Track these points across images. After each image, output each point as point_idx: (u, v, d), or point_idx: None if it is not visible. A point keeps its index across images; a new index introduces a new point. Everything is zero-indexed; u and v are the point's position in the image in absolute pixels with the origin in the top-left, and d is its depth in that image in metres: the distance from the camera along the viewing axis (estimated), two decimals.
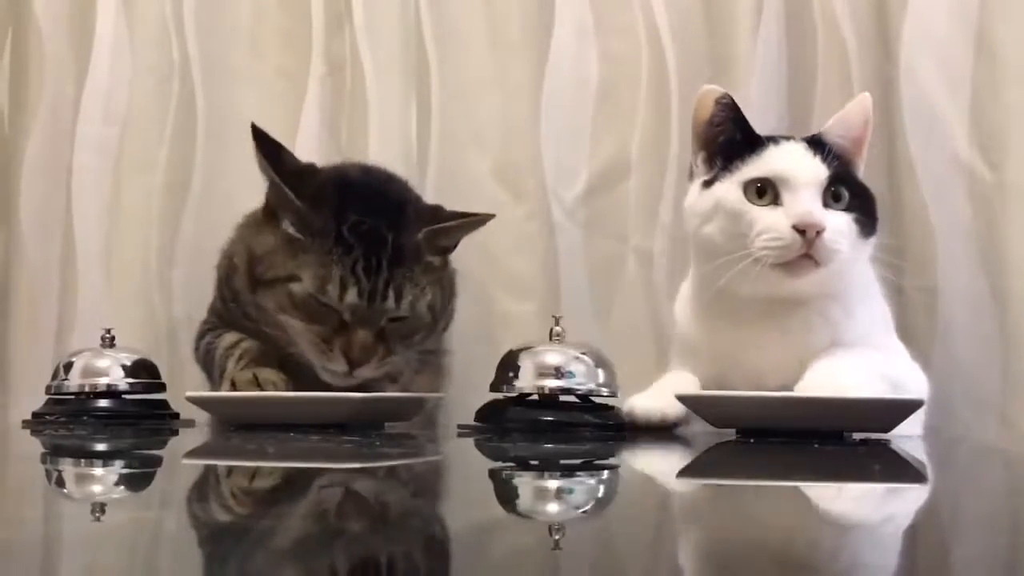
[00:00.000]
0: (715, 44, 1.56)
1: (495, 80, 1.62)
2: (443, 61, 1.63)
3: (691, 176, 1.21)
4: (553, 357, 1.12)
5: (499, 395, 1.13)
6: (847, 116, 1.18)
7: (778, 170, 1.11)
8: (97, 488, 0.79)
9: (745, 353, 1.15)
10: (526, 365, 1.12)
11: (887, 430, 1.07)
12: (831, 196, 1.11)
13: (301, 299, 1.22)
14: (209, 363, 1.34)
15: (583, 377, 1.11)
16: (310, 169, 1.30)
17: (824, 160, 1.13)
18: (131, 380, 1.28)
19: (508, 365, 1.13)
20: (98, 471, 0.93)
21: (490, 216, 1.33)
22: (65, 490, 0.77)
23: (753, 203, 1.11)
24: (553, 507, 0.69)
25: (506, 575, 0.48)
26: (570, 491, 0.78)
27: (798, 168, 1.11)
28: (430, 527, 0.60)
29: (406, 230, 1.24)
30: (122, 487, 0.79)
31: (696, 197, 1.17)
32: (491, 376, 1.14)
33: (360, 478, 0.84)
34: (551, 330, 1.15)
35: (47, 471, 0.91)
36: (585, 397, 1.13)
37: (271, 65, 1.68)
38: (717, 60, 1.56)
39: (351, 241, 1.21)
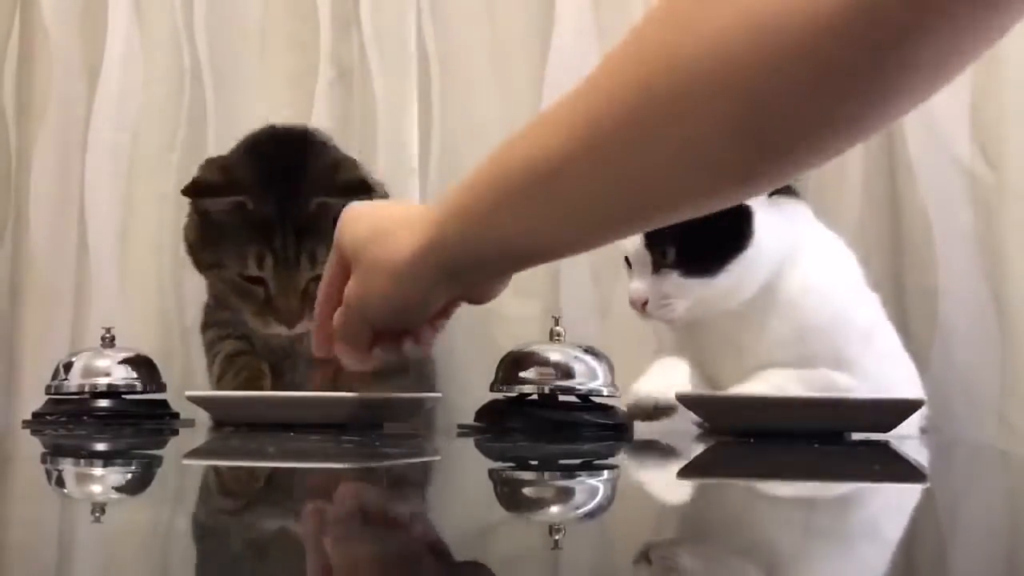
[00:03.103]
0: None
1: (496, 81, 1.62)
2: (444, 62, 1.63)
3: None
4: (553, 357, 1.12)
5: (499, 395, 1.13)
6: None
7: (622, 247, 1.22)
8: (97, 488, 0.79)
9: (707, 363, 1.22)
10: (526, 365, 1.12)
11: (887, 430, 1.07)
12: (661, 255, 1.19)
13: (230, 281, 1.31)
14: (211, 360, 1.40)
15: (583, 377, 1.11)
16: (220, 163, 1.34)
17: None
18: (131, 380, 1.28)
19: (508, 365, 1.13)
20: (98, 471, 0.93)
21: (377, 188, 1.34)
22: (65, 490, 0.77)
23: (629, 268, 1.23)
24: (553, 507, 0.69)
25: (506, 575, 0.48)
26: (570, 491, 0.78)
27: (627, 244, 1.21)
28: (430, 527, 0.60)
29: (306, 198, 1.28)
30: (122, 487, 0.79)
31: None
32: (491, 376, 1.14)
33: (360, 478, 0.84)
34: (551, 330, 1.15)
35: (47, 471, 0.91)
36: (585, 397, 1.13)
37: (281, 70, 1.68)
38: None
39: (261, 216, 1.27)
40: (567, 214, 0.74)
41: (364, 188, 1.29)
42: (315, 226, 1.26)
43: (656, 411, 1.15)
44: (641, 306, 1.19)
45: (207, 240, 1.32)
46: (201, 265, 1.35)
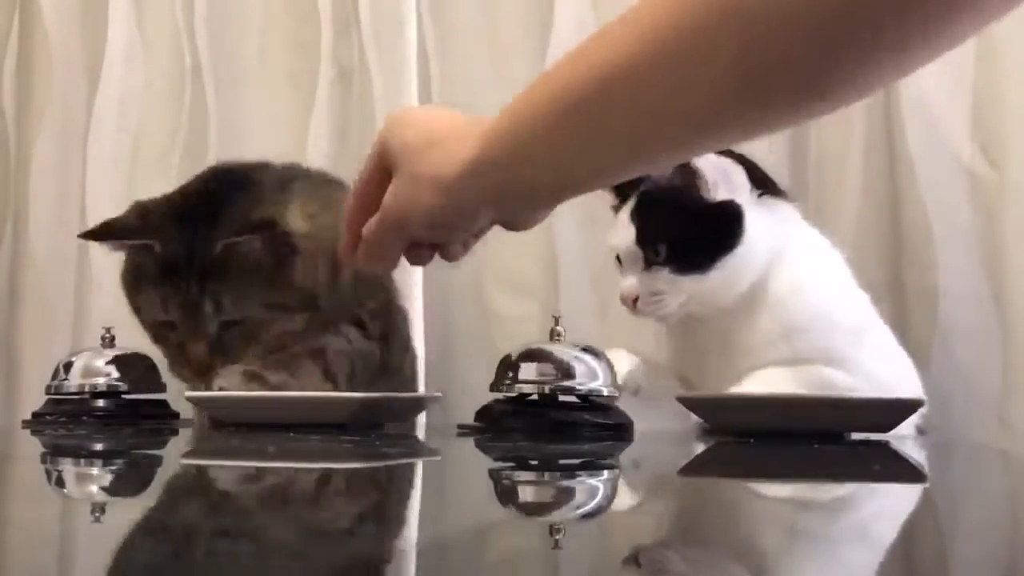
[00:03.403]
0: None
1: (495, 80, 1.63)
2: (444, 61, 1.64)
3: None
4: (553, 357, 1.12)
5: (499, 395, 1.13)
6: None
7: (611, 244, 1.28)
8: (97, 488, 0.79)
9: (698, 362, 1.26)
10: (526, 365, 1.12)
11: (887, 430, 1.07)
12: (652, 253, 1.22)
13: (148, 327, 1.28)
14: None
15: (583, 377, 1.11)
16: (142, 205, 1.29)
17: (641, 219, 1.24)
18: (131, 380, 1.28)
19: (508, 365, 1.13)
20: (98, 471, 0.93)
21: (272, 225, 1.23)
22: (65, 490, 0.77)
23: (618, 265, 1.28)
24: (553, 507, 0.69)
25: (506, 575, 0.48)
26: (570, 491, 0.78)
27: (619, 241, 1.26)
28: (430, 527, 0.60)
29: (214, 240, 1.22)
30: (122, 487, 0.79)
31: None
32: (491, 376, 1.14)
33: (360, 478, 0.84)
34: (551, 330, 1.15)
35: (47, 471, 0.91)
36: (585, 397, 1.13)
37: (282, 70, 1.69)
38: None
39: (169, 259, 1.22)
40: (629, 125, 0.72)
41: (267, 226, 1.22)
42: (220, 269, 1.21)
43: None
44: (632, 302, 1.22)
45: (128, 284, 1.28)
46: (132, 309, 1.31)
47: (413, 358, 1.46)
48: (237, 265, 1.21)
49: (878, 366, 1.23)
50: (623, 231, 1.26)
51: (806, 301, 1.21)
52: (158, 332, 1.27)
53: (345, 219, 0.92)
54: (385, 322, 1.37)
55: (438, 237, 0.88)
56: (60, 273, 1.69)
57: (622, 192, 1.29)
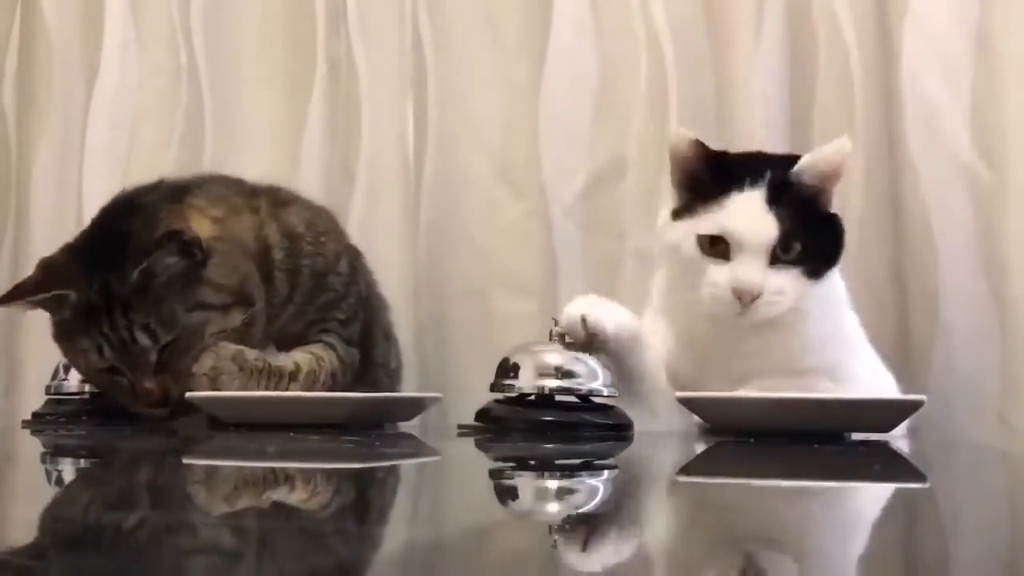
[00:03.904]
0: (715, 44, 1.57)
1: (494, 79, 1.63)
2: (441, 60, 1.64)
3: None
4: (553, 357, 1.12)
5: (499, 395, 1.13)
6: (821, 159, 1.18)
7: (729, 230, 1.15)
8: (97, 488, 0.79)
9: (711, 356, 1.20)
10: (526, 365, 1.12)
11: (887, 430, 1.07)
12: (781, 249, 1.14)
13: (89, 377, 1.25)
14: None
15: (583, 377, 1.11)
16: (46, 260, 1.25)
17: (780, 212, 1.14)
18: None
19: (508, 365, 1.13)
20: (97, 471, 0.93)
21: (178, 233, 1.19)
22: (65, 490, 0.77)
23: (706, 253, 1.15)
24: (553, 507, 0.69)
25: (506, 575, 0.48)
26: (570, 491, 0.78)
27: (748, 230, 1.14)
28: (430, 527, 0.60)
29: (125, 273, 1.18)
30: (122, 487, 0.79)
31: (663, 225, 1.22)
32: (491, 376, 1.14)
33: (360, 478, 0.84)
34: (551, 331, 1.15)
35: (47, 471, 0.91)
36: (585, 397, 1.13)
37: (277, 66, 1.69)
38: (717, 60, 1.56)
39: (85, 306, 1.19)
40: None
41: (173, 236, 1.19)
42: (140, 297, 1.18)
43: (588, 334, 1.13)
44: (751, 299, 1.13)
45: (61, 342, 1.24)
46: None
47: (397, 349, 1.45)
48: (155, 288, 1.18)
49: (872, 382, 1.23)
50: (756, 220, 1.14)
51: (822, 319, 1.20)
52: (104, 379, 1.23)
53: None
54: (363, 321, 1.37)
55: None
56: None
57: (735, 176, 1.17)
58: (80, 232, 1.28)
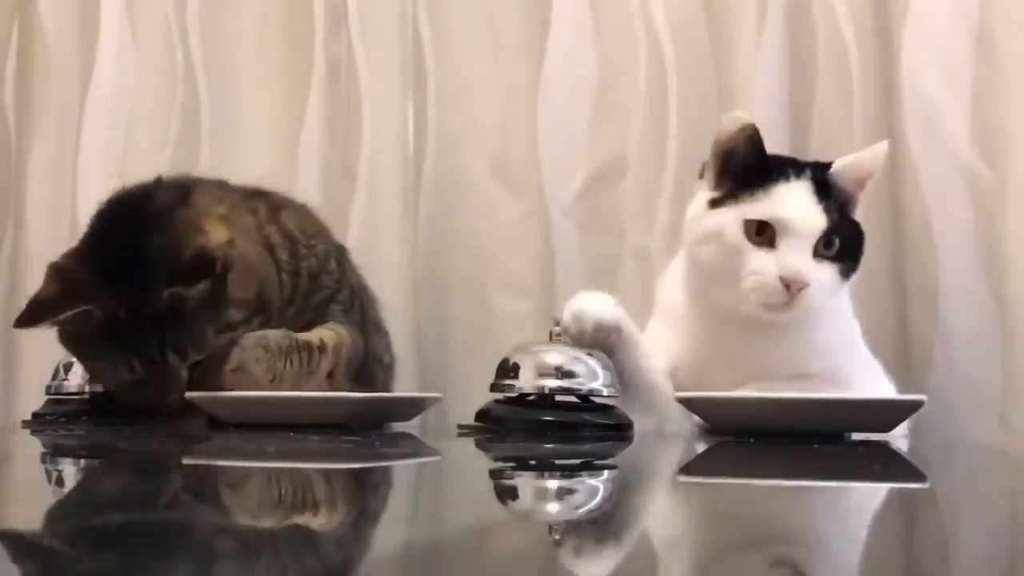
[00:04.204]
0: (715, 44, 1.57)
1: (493, 79, 1.63)
2: (440, 60, 1.64)
3: (701, 175, 1.22)
4: (553, 357, 1.12)
5: (499, 395, 1.13)
6: (862, 161, 1.19)
7: (779, 216, 1.14)
8: (97, 488, 0.79)
9: (717, 358, 1.19)
10: (526, 365, 1.12)
11: (887, 430, 1.07)
12: (823, 244, 1.14)
13: (109, 382, 1.22)
14: None
15: (583, 377, 1.11)
16: (57, 270, 1.21)
17: (827, 207, 1.15)
18: None
19: (508, 365, 1.13)
20: (98, 471, 0.93)
21: (213, 270, 1.18)
22: (65, 490, 0.77)
23: (751, 240, 1.14)
24: (553, 507, 0.69)
25: (506, 575, 0.48)
26: (570, 491, 0.78)
27: (799, 217, 1.14)
28: (430, 527, 0.60)
29: (155, 290, 1.17)
30: (122, 487, 0.79)
31: (700, 213, 1.19)
32: (491, 376, 1.14)
33: (360, 478, 0.84)
34: (551, 331, 1.15)
35: (47, 471, 0.91)
36: (585, 397, 1.13)
37: (275, 65, 1.69)
38: (717, 60, 1.56)
39: (112, 322, 1.17)
40: None
41: (207, 263, 1.17)
42: (172, 317, 1.16)
43: (596, 330, 1.13)
44: (799, 288, 1.12)
45: (79, 352, 1.23)
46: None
47: (388, 343, 1.45)
48: (186, 310, 1.17)
49: (872, 387, 1.23)
50: (807, 209, 1.14)
51: (830, 323, 1.20)
52: (129, 388, 1.21)
53: None
54: (359, 312, 1.37)
55: None
56: None
57: (780, 169, 1.17)
58: (85, 235, 1.24)
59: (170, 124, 1.69)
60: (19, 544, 0.53)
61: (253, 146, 1.68)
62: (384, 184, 1.65)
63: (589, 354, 1.13)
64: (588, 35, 1.61)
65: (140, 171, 1.66)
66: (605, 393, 1.12)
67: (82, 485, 0.82)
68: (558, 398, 1.12)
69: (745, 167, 1.17)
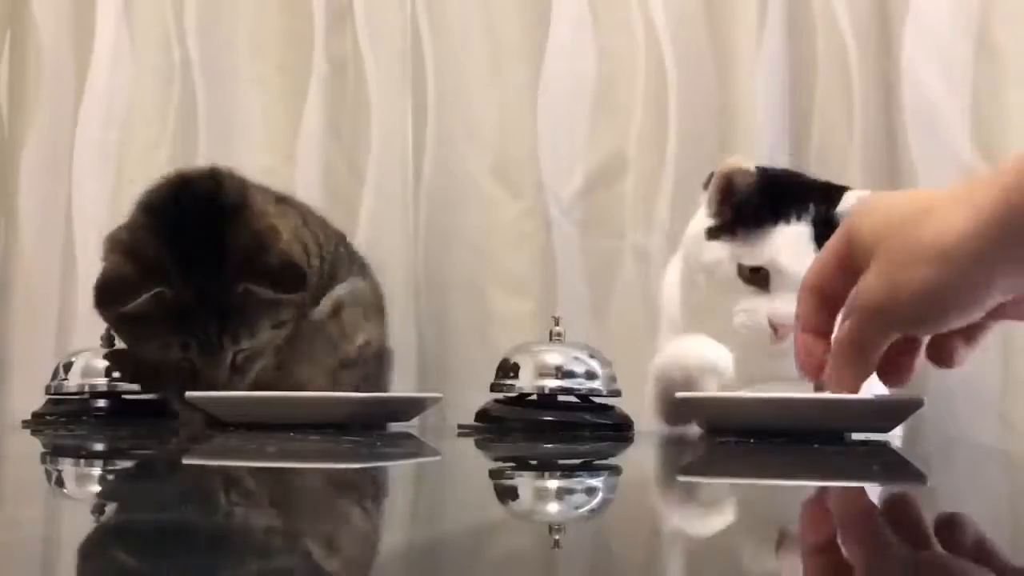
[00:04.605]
0: (715, 42, 1.57)
1: (491, 77, 1.63)
2: (439, 58, 1.64)
3: (706, 185, 1.21)
4: (553, 357, 1.12)
5: (499, 395, 1.13)
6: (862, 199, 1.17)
7: (775, 265, 1.14)
8: (97, 488, 0.79)
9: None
10: (526, 365, 1.12)
11: (887, 430, 1.07)
12: None
13: (152, 362, 1.23)
14: None
15: (583, 377, 1.11)
16: (125, 246, 1.23)
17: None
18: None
19: (508, 365, 1.13)
20: (98, 471, 0.93)
21: (302, 287, 1.24)
22: (65, 490, 0.77)
23: (743, 279, 1.16)
24: (553, 507, 0.69)
25: (506, 575, 0.48)
26: (570, 491, 0.78)
27: (794, 265, 1.13)
28: (430, 527, 0.60)
29: (229, 282, 1.20)
30: (122, 487, 0.79)
31: (697, 239, 1.20)
32: (490, 376, 1.14)
33: (360, 478, 0.84)
34: (551, 330, 1.15)
35: (47, 471, 0.91)
36: (585, 397, 1.13)
37: (272, 65, 1.68)
38: (717, 59, 1.56)
39: (180, 305, 1.19)
40: None
41: (292, 270, 1.22)
42: (239, 311, 1.20)
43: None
44: (786, 332, 1.10)
45: (122, 329, 1.24)
46: (121, 339, 1.26)
47: (386, 356, 1.46)
48: (252, 304, 1.21)
49: (872, 386, 1.23)
50: (803, 258, 1.12)
51: None
52: (167, 367, 1.22)
53: (799, 330, 0.82)
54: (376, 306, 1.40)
55: (930, 325, 0.74)
56: (47, 271, 1.69)
57: (782, 207, 1.16)
58: (148, 213, 1.24)
59: (167, 123, 1.69)
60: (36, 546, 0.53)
61: (251, 145, 1.68)
62: (383, 184, 1.65)
63: (589, 354, 1.13)
64: (588, 34, 1.60)
65: (137, 171, 1.67)
66: (605, 393, 1.12)
67: (80, 486, 0.82)
68: (558, 398, 1.12)
69: (743, 204, 1.17)
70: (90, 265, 1.64)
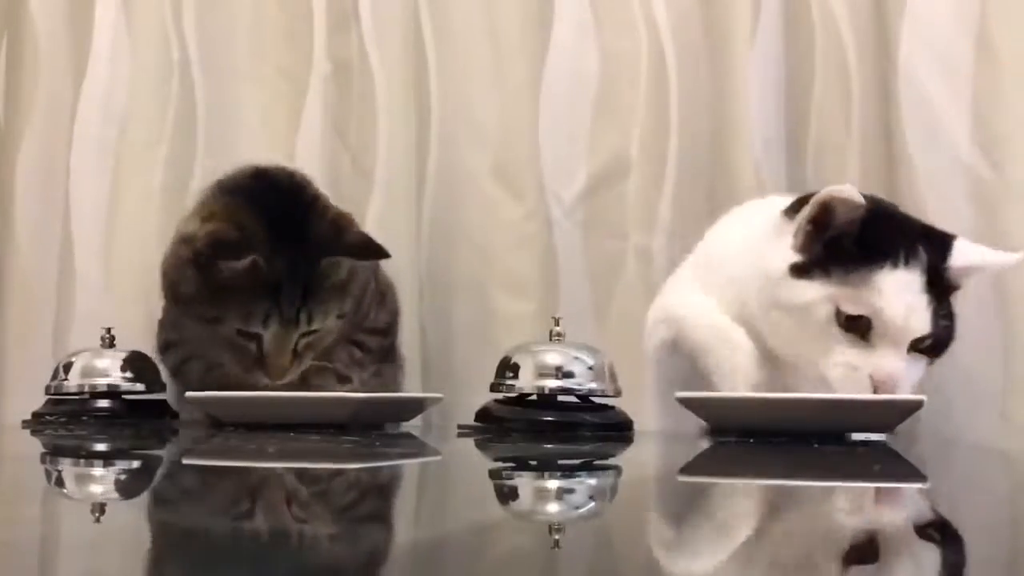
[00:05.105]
0: (714, 42, 1.56)
1: (494, 78, 1.62)
2: (442, 59, 1.63)
3: (789, 214, 1.12)
4: (553, 357, 1.12)
5: (499, 395, 1.13)
6: (987, 266, 1.15)
7: (881, 316, 1.04)
8: (97, 488, 0.79)
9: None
10: (526, 365, 1.12)
11: (887, 430, 1.07)
12: (921, 339, 1.07)
13: (223, 336, 1.24)
14: (182, 382, 1.33)
15: (583, 377, 1.11)
16: (227, 214, 1.25)
17: (935, 309, 1.06)
18: (131, 380, 1.28)
19: (508, 365, 1.13)
20: (98, 471, 0.93)
21: (385, 255, 1.29)
22: (65, 490, 0.77)
23: (840, 326, 1.05)
24: (553, 507, 0.69)
25: (506, 575, 0.48)
26: (570, 491, 0.78)
27: (903, 320, 1.04)
28: (430, 527, 0.60)
29: (315, 256, 1.24)
30: (122, 487, 0.79)
31: (781, 275, 1.08)
32: (491, 376, 1.14)
33: (360, 478, 0.84)
34: (551, 330, 1.15)
35: (47, 471, 0.91)
36: (585, 397, 1.13)
37: (272, 64, 1.68)
38: (716, 59, 1.56)
39: (271, 275, 1.21)
40: None
41: (371, 247, 1.27)
42: (320, 286, 1.24)
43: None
44: (888, 390, 1.04)
45: (208, 296, 1.24)
46: (193, 316, 1.27)
47: (400, 364, 1.47)
48: (328, 282, 1.25)
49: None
50: (914, 311, 1.05)
51: None
52: (234, 342, 1.23)
53: None
54: (388, 309, 1.41)
55: None
56: (44, 269, 1.68)
57: (889, 248, 1.06)
58: (239, 191, 1.28)
59: (165, 122, 1.68)
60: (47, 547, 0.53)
61: (250, 144, 1.67)
62: (387, 184, 1.65)
63: (590, 354, 1.13)
64: (589, 34, 1.60)
65: (135, 169, 1.67)
66: (605, 393, 1.12)
67: (80, 485, 0.82)
68: (558, 398, 1.12)
69: (845, 243, 1.06)
70: (88, 262, 1.65)
